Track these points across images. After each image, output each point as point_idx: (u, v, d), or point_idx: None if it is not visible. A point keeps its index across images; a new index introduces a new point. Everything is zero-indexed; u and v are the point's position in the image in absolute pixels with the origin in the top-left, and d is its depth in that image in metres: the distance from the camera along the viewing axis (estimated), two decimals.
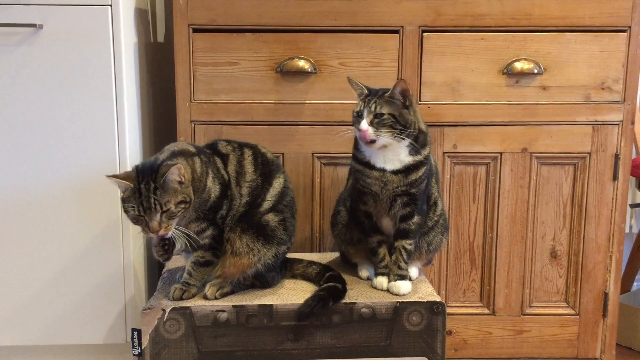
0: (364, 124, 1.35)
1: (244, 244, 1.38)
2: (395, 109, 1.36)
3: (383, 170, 1.39)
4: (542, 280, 1.82)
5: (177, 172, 1.24)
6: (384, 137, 1.35)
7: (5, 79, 1.61)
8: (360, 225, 1.49)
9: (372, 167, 1.40)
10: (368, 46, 1.70)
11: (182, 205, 1.26)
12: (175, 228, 1.29)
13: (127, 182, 1.25)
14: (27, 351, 1.76)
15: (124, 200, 1.27)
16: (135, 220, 1.27)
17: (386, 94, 1.37)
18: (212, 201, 1.34)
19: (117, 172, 1.63)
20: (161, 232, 1.26)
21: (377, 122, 1.35)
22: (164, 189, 1.24)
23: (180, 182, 1.26)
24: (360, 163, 1.42)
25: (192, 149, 1.37)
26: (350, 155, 1.45)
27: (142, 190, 1.24)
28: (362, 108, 1.38)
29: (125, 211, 1.27)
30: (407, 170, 1.39)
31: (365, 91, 1.41)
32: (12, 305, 1.71)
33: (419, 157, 1.40)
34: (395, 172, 1.39)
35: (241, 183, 1.40)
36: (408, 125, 1.36)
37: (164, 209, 1.24)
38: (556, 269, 1.82)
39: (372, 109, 1.36)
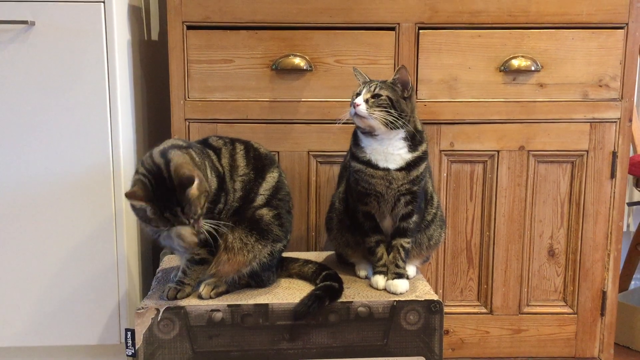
0: (359, 99, 1.35)
1: (237, 238, 1.35)
2: (394, 94, 1.36)
3: (387, 169, 1.38)
4: (539, 279, 1.81)
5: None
6: (375, 118, 1.33)
7: None
8: (358, 227, 1.47)
9: (375, 167, 1.38)
10: (364, 43, 1.68)
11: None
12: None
13: None
14: (18, 353, 1.74)
15: None
16: None
17: (388, 80, 1.38)
18: (212, 194, 1.31)
19: (110, 169, 1.63)
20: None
21: (373, 101, 1.34)
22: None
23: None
24: (361, 162, 1.39)
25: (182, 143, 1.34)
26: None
27: None
28: (361, 89, 1.37)
29: None
30: (408, 167, 1.38)
31: (368, 79, 1.41)
32: (2, 305, 1.68)
33: (417, 153, 1.39)
34: (399, 170, 1.38)
35: (234, 177, 1.38)
36: (403, 115, 1.35)
37: None
38: (554, 267, 1.81)
39: (371, 89, 1.36)
